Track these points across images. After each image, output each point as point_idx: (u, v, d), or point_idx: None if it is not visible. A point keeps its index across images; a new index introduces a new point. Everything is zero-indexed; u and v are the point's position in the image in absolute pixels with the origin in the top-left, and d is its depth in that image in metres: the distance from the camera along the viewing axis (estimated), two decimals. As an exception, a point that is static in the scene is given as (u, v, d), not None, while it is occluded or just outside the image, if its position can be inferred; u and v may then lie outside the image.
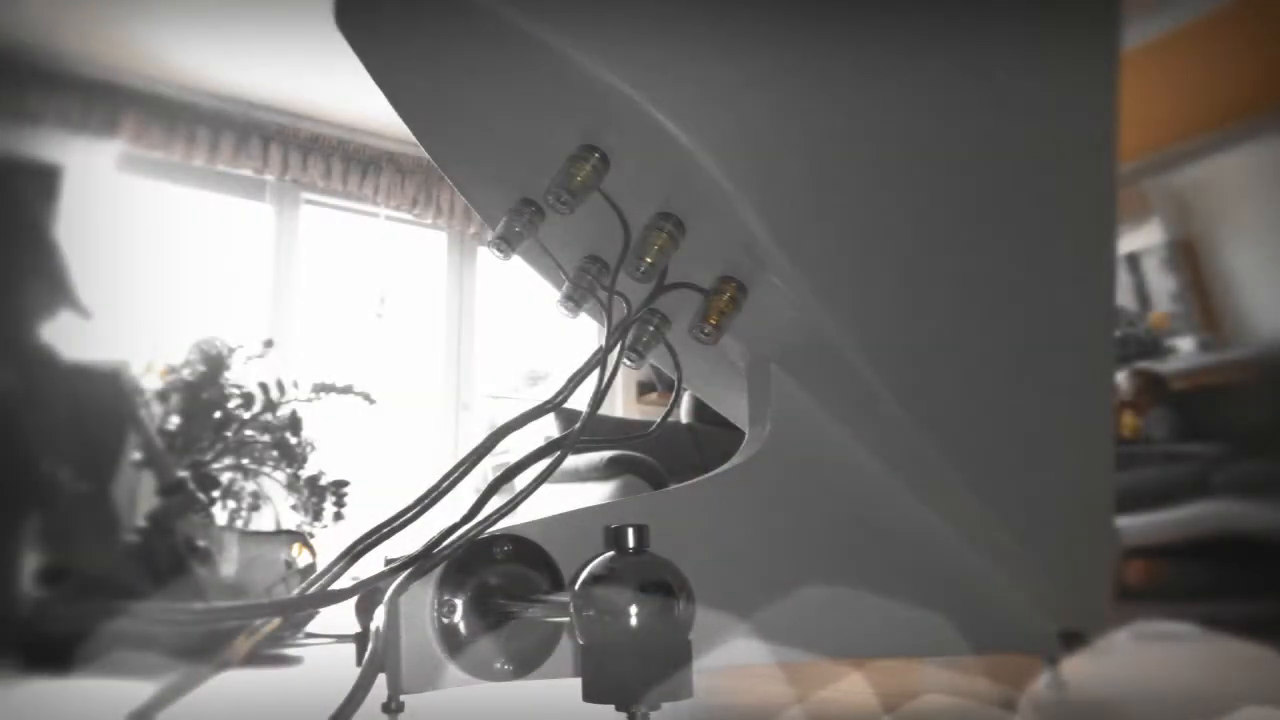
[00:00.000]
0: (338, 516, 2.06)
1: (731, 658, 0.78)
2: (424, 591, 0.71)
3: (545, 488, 0.74)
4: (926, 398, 0.81)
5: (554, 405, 0.80)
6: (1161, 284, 2.89)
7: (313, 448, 2.08)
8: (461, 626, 0.71)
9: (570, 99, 0.72)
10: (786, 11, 0.75)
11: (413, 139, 0.87)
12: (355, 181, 4.19)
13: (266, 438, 2.01)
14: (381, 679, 0.69)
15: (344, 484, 2.08)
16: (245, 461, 2.00)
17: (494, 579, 0.72)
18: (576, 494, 2.94)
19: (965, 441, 0.83)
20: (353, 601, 0.74)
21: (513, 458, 0.84)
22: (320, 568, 0.86)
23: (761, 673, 1.13)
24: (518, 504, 0.73)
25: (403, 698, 0.70)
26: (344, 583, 0.73)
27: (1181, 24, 2.56)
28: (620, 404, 4.69)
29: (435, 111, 0.84)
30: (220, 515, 1.93)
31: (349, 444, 2.69)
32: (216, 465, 1.93)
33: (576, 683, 0.56)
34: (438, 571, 0.71)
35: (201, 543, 1.66)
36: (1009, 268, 0.87)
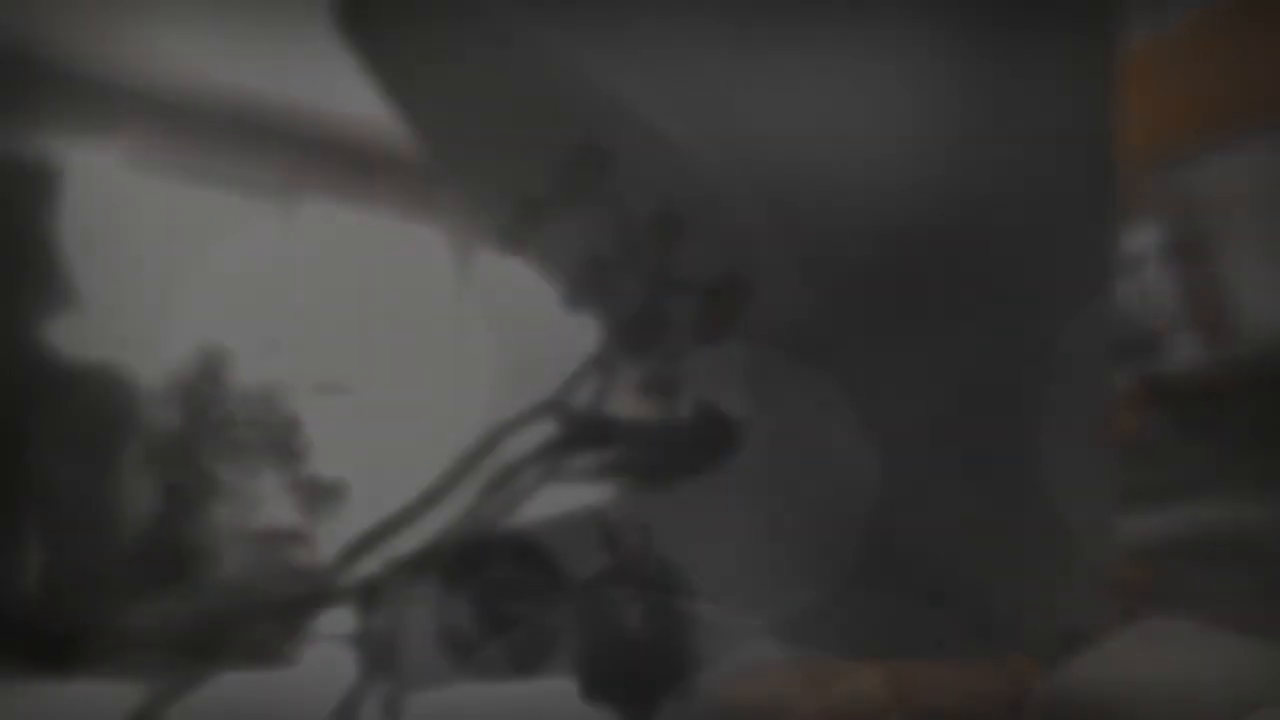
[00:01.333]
0: (338, 516, 2.06)
1: (732, 657, 0.78)
2: (424, 591, 0.71)
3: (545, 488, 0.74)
4: (925, 397, 0.81)
5: (554, 405, 0.80)
6: (1161, 284, 2.89)
7: (312, 448, 2.08)
8: (461, 626, 0.71)
9: (570, 99, 0.72)
10: (786, 12, 0.75)
11: (413, 139, 0.87)
12: (355, 181, 4.19)
13: (266, 438, 2.01)
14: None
15: (344, 484, 2.08)
16: (245, 462, 2.00)
17: (494, 579, 0.72)
18: (576, 494, 2.94)
19: (964, 441, 0.83)
20: (353, 601, 0.74)
21: (513, 458, 0.84)
22: (320, 568, 0.86)
23: (762, 672, 1.13)
24: (518, 504, 0.73)
25: (403, 698, 0.70)
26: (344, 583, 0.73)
27: (1181, 24, 2.56)
28: (620, 404, 4.69)
29: (435, 111, 0.84)
30: (220, 515, 1.93)
31: (349, 444, 2.68)
32: (216, 465, 1.94)
33: (576, 683, 0.56)
34: (438, 571, 0.71)
35: (201, 543, 1.66)
36: (1009, 267, 0.87)
